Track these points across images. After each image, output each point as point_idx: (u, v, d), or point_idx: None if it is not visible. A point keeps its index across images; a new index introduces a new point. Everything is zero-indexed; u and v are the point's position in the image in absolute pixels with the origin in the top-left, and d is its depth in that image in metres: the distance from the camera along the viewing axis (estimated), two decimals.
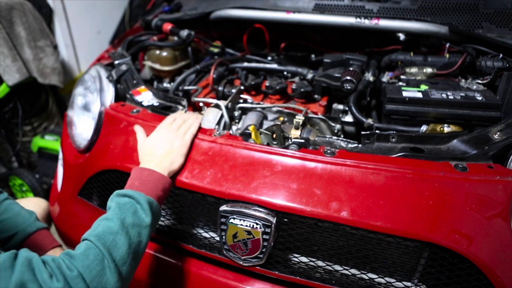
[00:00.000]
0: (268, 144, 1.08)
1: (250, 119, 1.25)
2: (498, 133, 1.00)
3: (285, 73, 1.55)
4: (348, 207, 0.90)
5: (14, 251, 0.70)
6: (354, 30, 1.47)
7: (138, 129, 1.10)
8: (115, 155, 1.15)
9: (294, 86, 1.38)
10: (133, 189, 0.88)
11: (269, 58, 1.74)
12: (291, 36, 1.82)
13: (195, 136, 1.07)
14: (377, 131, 1.10)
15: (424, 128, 1.15)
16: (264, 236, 0.95)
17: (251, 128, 1.08)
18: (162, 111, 1.21)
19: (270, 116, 1.33)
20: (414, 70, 1.37)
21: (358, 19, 1.44)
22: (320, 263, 1.02)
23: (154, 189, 0.90)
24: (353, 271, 1.00)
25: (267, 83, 1.41)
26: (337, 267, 1.01)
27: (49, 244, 1.11)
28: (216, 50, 1.63)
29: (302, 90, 1.36)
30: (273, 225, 0.93)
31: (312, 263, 1.03)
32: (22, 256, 0.69)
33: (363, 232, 0.93)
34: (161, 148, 1.00)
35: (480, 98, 1.14)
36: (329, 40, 1.78)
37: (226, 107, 1.26)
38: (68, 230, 1.32)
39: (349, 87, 1.31)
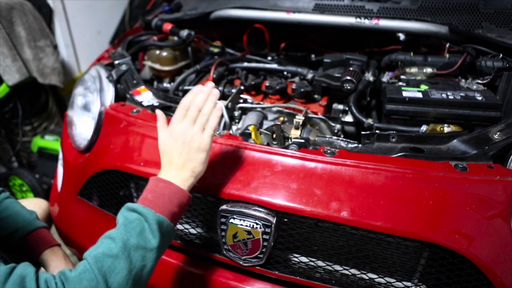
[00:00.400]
0: (268, 144, 1.08)
1: (250, 119, 1.25)
2: (498, 133, 1.00)
3: (285, 73, 1.55)
4: (348, 207, 0.90)
5: (12, 265, 0.68)
6: (354, 30, 1.47)
7: (159, 117, 0.93)
8: (115, 155, 1.15)
9: (294, 86, 1.38)
10: (144, 205, 0.80)
11: (269, 58, 1.74)
12: (291, 36, 1.82)
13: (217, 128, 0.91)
14: (377, 131, 1.10)
15: (424, 128, 1.15)
16: (264, 236, 0.95)
17: (251, 128, 1.09)
18: (162, 111, 1.21)
19: (270, 116, 1.33)
20: (414, 70, 1.37)
21: (358, 19, 1.44)
22: (320, 263, 1.02)
23: (168, 205, 0.82)
24: (353, 271, 1.00)
25: (267, 83, 1.41)
26: (337, 267, 1.01)
27: (47, 243, 1.09)
28: (216, 50, 1.63)
29: (302, 90, 1.36)
30: (273, 225, 0.93)
31: (312, 263, 1.03)
32: (16, 273, 0.66)
33: (363, 232, 0.93)
34: (177, 157, 0.87)
35: (480, 98, 1.14)
36: (329, 40, 1.78)
37: (226, 107, 1.26)
38: (68, 230, 1.32)
39: (349, 87, 1.31)
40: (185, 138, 0.87)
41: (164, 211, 0.81)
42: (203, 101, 0.90)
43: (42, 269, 1.11)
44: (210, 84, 0.92)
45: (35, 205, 1.33)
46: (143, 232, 0.77)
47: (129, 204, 0.82)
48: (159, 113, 0.94)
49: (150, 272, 0.78)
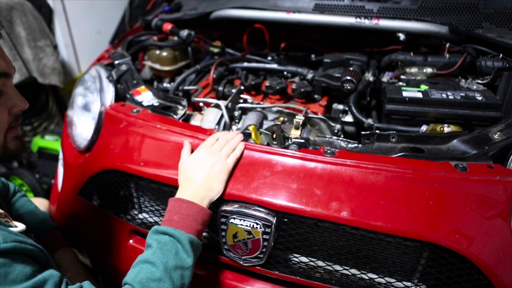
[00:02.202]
0: (268, 144, 1.08)
1: (250, 119, 1.25)
2: (498, 133, 1.00)
3: (285, 73, 1.55)
4: (348, 207, 0.90)
5: (79, 285, 0.73)
6: (354, 30, 1.47)
7: (185, 145, 1.04)
8: (115, 155, 1.15)
9: (294, 86, 1.38)
10: (172, 226, 0.85)
11: (269, 58, 1.74)
12: (291, 36, 1.82)
13: (240, 159, 1.00)
14: (377, 131, 1.10)
15: (424, 128, 1.15)
16: (264, 236, 0.95)
17: (251, 128, 1.09)
18: (162, 111, 1.21)
19: (270, 116, 1.33)
20: (414, 70, 1.37)
21: (358, 19, 1.44)
22: (320, 263, 1.02)
23: (194, 224, 0.87)
24: (353, 271, 1.00)
25: (267, 83, 1.41)
26: (337, 267, 1.01)
27: (59, 243, 1.14)
28: (216, 50, 1.63)
29: (302, 90, 1.36)
30: (273, 225, 0.93)
31: (312, 263, 1.03)
32: None
33: (363, 232, 0.93)
34: (200, 173, 0.94)
35: (480, 98, 1.14)
36: (329, 40, 1.78)
37: (226, 107, 1.26)
38: (68, 229, 1.32)
39: (349, 87, 1.31)
40: (211, 158, 0.96)
41: (192, 230, 0.86)
42: (231, 136, 1.03)
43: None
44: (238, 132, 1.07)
45: (39, 205, 1.34)
46: (178, 253, 0.82)
47: (157, 227, 0.86)
48: (185, 144, 1.04)
49: None
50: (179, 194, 0.93)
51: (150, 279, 0.77)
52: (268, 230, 0.94)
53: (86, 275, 1.11)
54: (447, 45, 1.44)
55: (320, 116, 1.27)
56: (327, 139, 1.11)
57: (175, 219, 0.86)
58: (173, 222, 0.86)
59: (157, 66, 1.54)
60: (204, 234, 1.11)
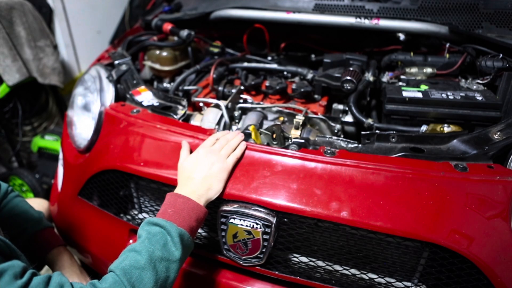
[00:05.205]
0: (268, 144, 1.08)
1: (250, 119, 1.25)
2: (498, 133, 1.00)
3: (285, 73, 1.55)
4: (348, 207, 0.90)
5: (48, 275, 0.72)
6: (354, 30, 1.47)
7: (184, 145, 1.04)
8: (115, 155, 1.15)
9: (294, 86, 1.38)
10: (165, 219, 0.84)
11: (269, 58, 1.74)
12: (291, 36, 1.82)
13: (240, 159, 1.00)
14: (377, 131, 1.10)
15: (424, 128, 1.15)
16: (264, 236, 0.95)
17: (251, 128, 1.09)
18: (162, 111, 1.21)
19: (270, 116, 1.33)
20: (414, 70, 1.37)
21: (358, 19, 1.44)
22: (320, 263, 1.02)
23: (187, 219, 0.86)
24: (353, 271, 1.00)
25: (267, 83, 1.41)
26: (337, 267, 1.01)
27: (54, 243, 1.13)
28: (216, 50, 1.63)
29: (302, 90, 1.36)
30: (273, 225, 0.93)
31: (312, 263, 1.03)
32: (55, 281, 0.71)
33: (363, 232, 0.93)
34: (199, 171, 0.94)
35: (480, 98, 1.14)
36: (329, 40, 1.78)
37: (226, 107, 1.26)
38: (68, 229, 1.32)
39: (349, 87, 1.31)
40: (211, 157, 0.96)
41: (184, 225, 0.85)
42: (232, 136, 1.03)
43: (46, 267, 1.12)
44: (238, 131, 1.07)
45: (38, 205, 1.34)
46: (167, 245, 0.81)
47: (150, 219, 0.85)
48: (183, 144, 1.04)
49: (173, 282, 0.81)
50: (177, 190, 0.93)
51: (133, 267, 0.76)
52: (268, 230, 0.94)
53: (80, 274, 1.11)
54: (447, 45, 1.44)
55: (320, 116, 1.27)
56: (327, 139, 1.11)
57: (168, 212, 0.86)
58: (167, 215, 0.86)
59: (157, 66, 1.54)
60: (204, 234, 1.11)
